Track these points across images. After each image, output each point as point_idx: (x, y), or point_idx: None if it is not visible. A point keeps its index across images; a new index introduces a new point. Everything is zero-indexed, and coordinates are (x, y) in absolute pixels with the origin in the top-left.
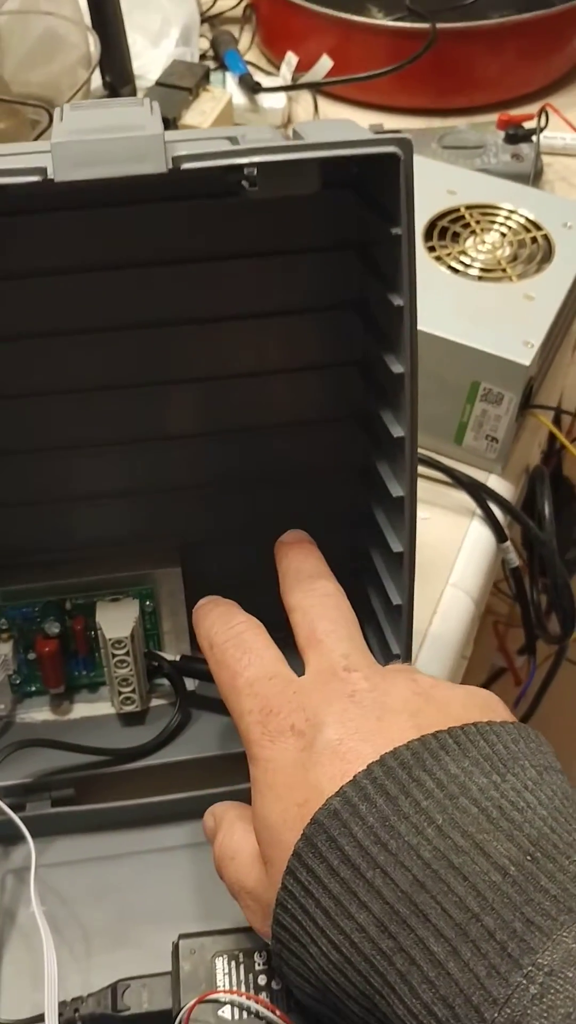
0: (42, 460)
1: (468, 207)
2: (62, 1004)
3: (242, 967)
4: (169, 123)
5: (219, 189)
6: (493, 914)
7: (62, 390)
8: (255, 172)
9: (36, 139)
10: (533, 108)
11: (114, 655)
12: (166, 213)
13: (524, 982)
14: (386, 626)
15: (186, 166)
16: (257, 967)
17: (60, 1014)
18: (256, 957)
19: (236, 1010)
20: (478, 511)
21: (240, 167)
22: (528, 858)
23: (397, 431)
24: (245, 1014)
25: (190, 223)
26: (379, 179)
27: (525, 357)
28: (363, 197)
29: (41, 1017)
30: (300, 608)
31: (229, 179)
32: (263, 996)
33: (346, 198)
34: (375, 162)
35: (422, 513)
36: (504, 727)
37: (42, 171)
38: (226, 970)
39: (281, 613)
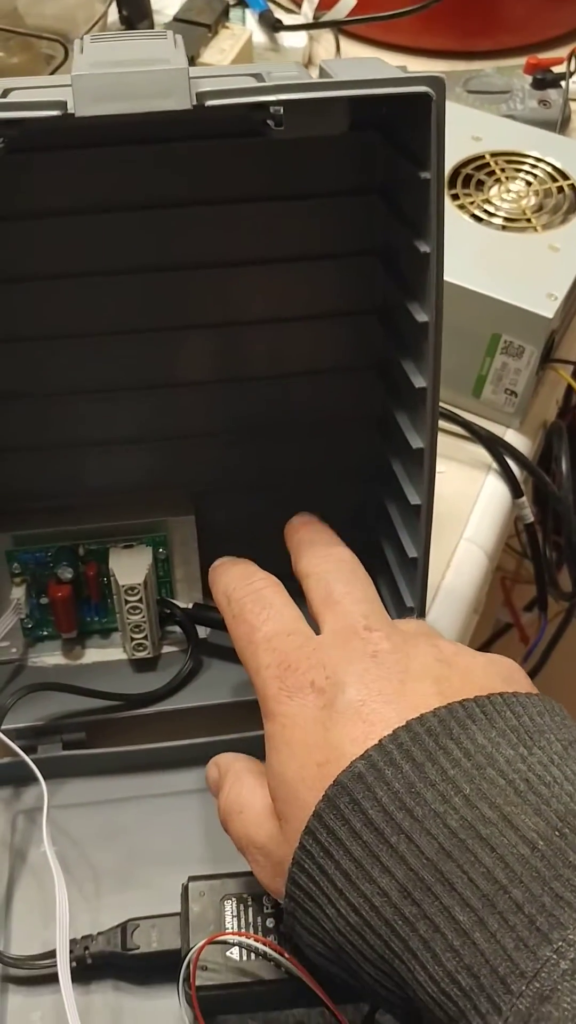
0: (54, 404)
1: (493, 154)
2: (72, 942)
3: (250, 910)
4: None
5: (242, 129)
6: (521, 887)
7: (74, 333)
8: (281, 111)
9: (51, 74)
10: (563, 52)
11: (127, 602)
12: (186, 153)
13: (554, 957)
14: (400, 579)
15: (211, 103)
16: (265, 910)
17: (70, 951)
18: (264, 901)
19: (244, 951)
20: (494, 465)
21: (266, 105)
22: (556, 833)
23: (419, 382)
24: (253, 955)
25: (210, 164)
26: (408, 120)
27: (548, 309)
28: (389, 139)
29: (51, 953)
30: (314, 573)
31: (253, 118)
32: (271, 939)
33: (371, 140)
34: (405, 102)
35: (438, 467)
36: (529, 699)
37: (62, 105)
38: (235, 913)
39: None
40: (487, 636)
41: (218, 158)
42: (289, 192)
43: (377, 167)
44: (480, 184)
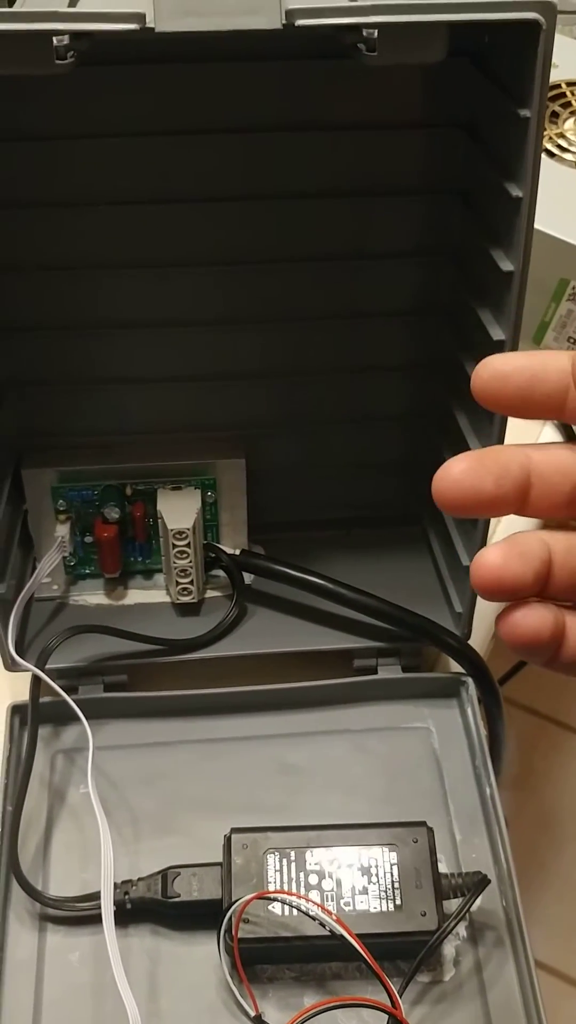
0: (105, 338)
1: (569, 83)
2: (113, 886)
3: (293, 865)
4: None
5: (330, 52)
6: None
7: (131, 264)
8: (375, 34)
9: None
10: None
11: (175, 546)
12: (269, 76)
13: None
14: (454, 531)
15: (301, 22)
16: (308, 866)
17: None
18: (308, 856)
19: (286, 907)
20: None
21: (359, 27)
22: None
23: (497, 334)
24: (295, 911)
25: (290, 89)
26: (508, 50)
27: None
28: (481, 69)
29: (91, 896)
30: None
31: (345, 41)
32: (314, 896)
33: (461, 70)
34: (508, 30)
35: None
36: None
37: (140, 18)
38: (277, 867)
39: (346, 508)
40: None
41: (301, 84)
42: (366, 122)
43: (465, 100)
44: (555, 116)
